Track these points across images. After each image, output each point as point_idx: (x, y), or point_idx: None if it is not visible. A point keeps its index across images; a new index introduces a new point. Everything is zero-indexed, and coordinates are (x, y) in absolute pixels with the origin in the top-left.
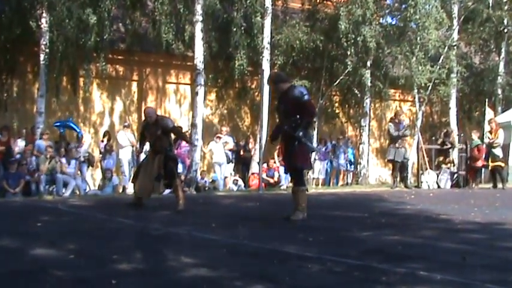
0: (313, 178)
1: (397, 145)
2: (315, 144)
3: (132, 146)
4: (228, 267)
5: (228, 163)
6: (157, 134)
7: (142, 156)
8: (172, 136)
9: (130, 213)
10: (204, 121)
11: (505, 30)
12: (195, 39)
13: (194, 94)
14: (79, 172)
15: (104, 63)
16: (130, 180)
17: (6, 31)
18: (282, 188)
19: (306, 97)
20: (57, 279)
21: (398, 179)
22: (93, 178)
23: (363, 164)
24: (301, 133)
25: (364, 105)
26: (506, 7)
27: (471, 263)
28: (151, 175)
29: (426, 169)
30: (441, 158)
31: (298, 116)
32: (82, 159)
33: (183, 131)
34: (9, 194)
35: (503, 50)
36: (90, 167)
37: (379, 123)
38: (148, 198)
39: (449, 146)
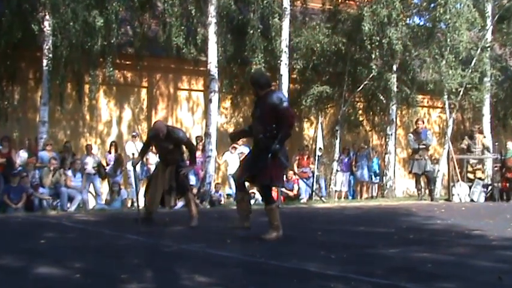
0: (336, 191)
1: (416, 157)
2: (336, 155)
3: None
4: (244, 286)
5: None
6: (169, 148)
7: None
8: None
9: (140, 229)
10: (219, 130)
11: None
12: (208, 42)
13: (208, 101)
14: (91, 185)
15: (111, 69)
16: (143, 195)
17: (7, 35)
18: (302, 201)
19: (285, 104)
20: None
21: (423, 191)
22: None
23: (389, 176)
24: (277, 146)
25: (390, 112)
26: None
27: (507, 283)
28: (162, 187)
29: (458, 181)
30: (470, 168)
31: (274, 126)
32: (93, 171)
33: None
34: (10, 209)
35: None
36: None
37: (406, 132)
38: (156, 210)
39: (479, 149)
